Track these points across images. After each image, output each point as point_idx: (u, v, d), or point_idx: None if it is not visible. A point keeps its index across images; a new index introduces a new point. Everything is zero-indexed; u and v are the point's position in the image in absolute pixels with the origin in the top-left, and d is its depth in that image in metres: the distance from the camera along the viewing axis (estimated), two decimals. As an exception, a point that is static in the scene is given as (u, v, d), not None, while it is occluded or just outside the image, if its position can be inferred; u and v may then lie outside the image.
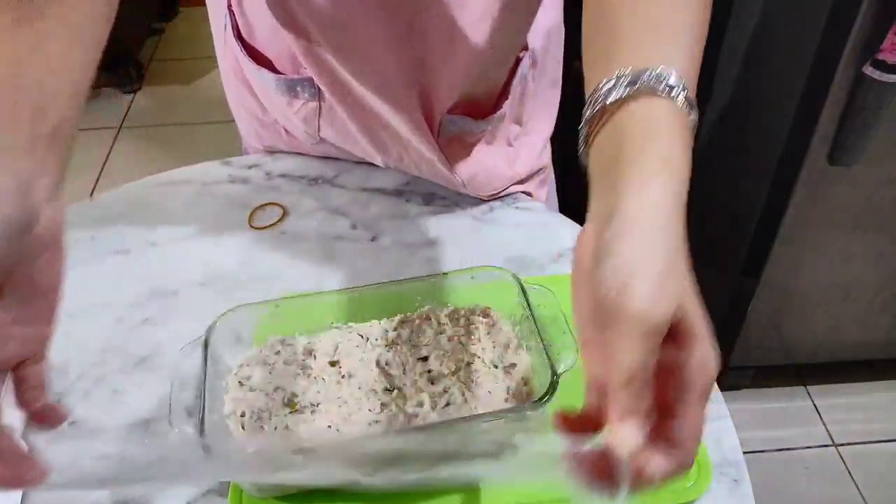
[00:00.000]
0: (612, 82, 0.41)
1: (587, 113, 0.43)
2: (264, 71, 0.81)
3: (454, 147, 0.83)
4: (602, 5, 0.47)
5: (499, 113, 0.83)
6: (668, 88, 0.40)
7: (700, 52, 0.45)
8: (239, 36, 0.82)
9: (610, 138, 0.42)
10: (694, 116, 0.42)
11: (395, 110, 0.77)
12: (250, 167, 0.93)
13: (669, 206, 0.39)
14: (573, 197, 1.06)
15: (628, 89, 0.41)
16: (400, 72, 0.74)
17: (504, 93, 0.83)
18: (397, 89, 0.75)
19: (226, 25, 0.83)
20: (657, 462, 0.36)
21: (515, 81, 0.83)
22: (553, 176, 0.98)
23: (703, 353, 0.36)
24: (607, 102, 0.41)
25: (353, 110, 0.81)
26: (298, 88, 0.81)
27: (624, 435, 0.35)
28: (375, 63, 0.73)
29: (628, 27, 0.44)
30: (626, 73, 0.41)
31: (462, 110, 0.80)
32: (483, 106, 0.82)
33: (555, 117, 0.92)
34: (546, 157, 0.94)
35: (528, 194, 0.91)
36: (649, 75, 0.41)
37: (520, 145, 0.88)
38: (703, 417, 0.37)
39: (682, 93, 0.41)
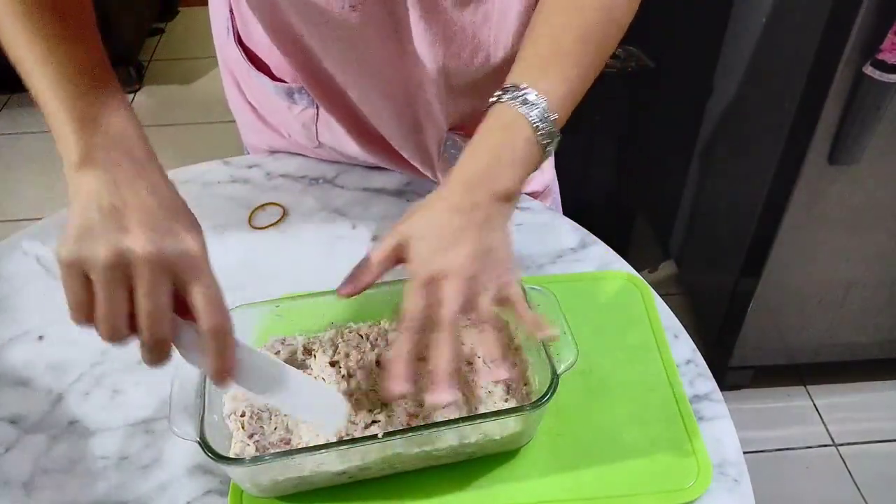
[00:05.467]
0: (501, 91, 0.57)
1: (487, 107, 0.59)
2: (263, 76, 0.81)
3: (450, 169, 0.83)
4: (526, 36, 0.61)
5: None
6: (525, 103, 0.55)
7: (580, 83, 0.59)
8: (239, 40, 0.82)
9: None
10: (542, 125, 0.56)
11: (390, 119, 0.77)
12: (250, 167, 0.93)
13: (440, 192, 0.56)
14: (573, 198, 1.06)
15: (498, 96, 0.57)
16: (396, 87, 0.74)
17: None
18: (393, 101, 0.76)
19: (228, 28, 0.83)
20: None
21: None
22: (557, 188, 0.97)
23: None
24: (492, 101, 0.57)
25: (347, 119, 0.81)
26: (296, 96, 0.81)
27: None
28: (374, 76, 0.73)
29: (529, 55, 0.60)
30: (509, 85, 0.57)
31: (466, 131, 0.80)
32: None
33: None
34: (549, 174, 0.94)
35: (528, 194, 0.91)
36: (518, 93, 0.56)
37: None
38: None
39: (534, 108, 0.55)
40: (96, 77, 0.52)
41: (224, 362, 0.50)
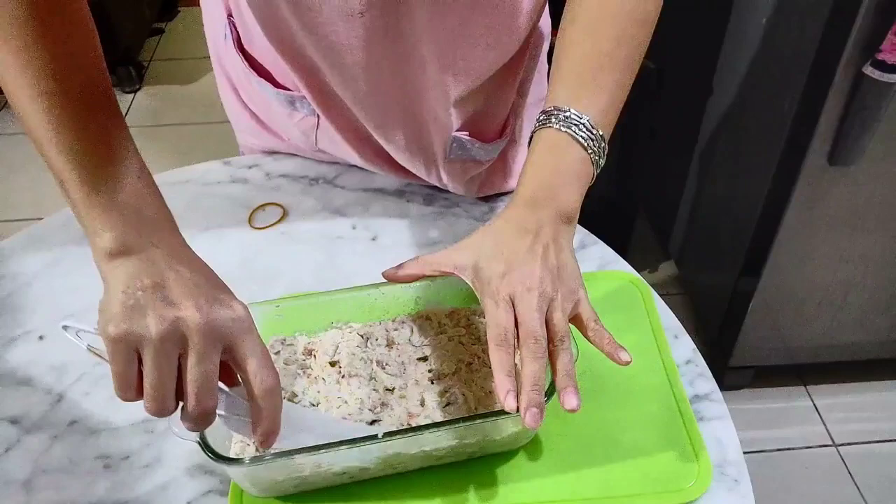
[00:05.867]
0: (544, 115, 0.59)
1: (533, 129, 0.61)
2: (265, 83, 0.81)
3: (456, 169, 0.83)
4: (559, 51, 0.62)
5: (504, 136, 0.83)
6: (569, 124, 0.57)
7: (620, 90, 0.60)
8: (240, 47, 0.82)
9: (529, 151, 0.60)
10: (590, 142, 0.58)
11: (394, 126, 0.78)
12: (250, 167, 0.93)
13: (504, 214, 0.58)
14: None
15: (542, 121, 0.59)
16: (395, 97, 0.74)
17: (509, 117, 0.83)
18: (397, 106, 0.76)
19: (226, 35, 0.82)
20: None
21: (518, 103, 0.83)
22: None
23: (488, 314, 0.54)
24: (537, 126, 0.59)
25: (347, 129, 0.81)
26: (297, 104, 0.81)
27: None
28: (373, 86, 0.73)
29: (565, 73, 0.61)
30: (549, 108, 0.59)
31: (470, 132, 0.80)
32: (488, 131, 0.82)
33: None
34: None
35: None
36: (560, 114, 0.58)
37: (515, 158, 0.88)
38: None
39: (580, 127, 0.57)
40: (114, 149, 0.50)
41: (275, 424, 0.51)
